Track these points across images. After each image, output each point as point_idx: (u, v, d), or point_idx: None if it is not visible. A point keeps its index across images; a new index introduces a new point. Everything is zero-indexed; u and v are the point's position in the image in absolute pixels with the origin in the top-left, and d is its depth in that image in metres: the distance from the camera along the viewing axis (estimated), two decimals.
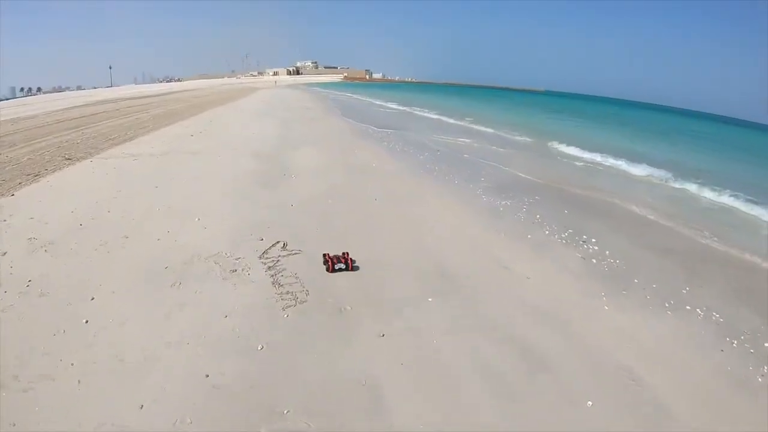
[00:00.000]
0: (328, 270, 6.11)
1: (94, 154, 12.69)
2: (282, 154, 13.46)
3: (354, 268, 6.23)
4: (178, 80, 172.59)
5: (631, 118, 55.59)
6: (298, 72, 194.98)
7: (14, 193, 9.06)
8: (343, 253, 6.34)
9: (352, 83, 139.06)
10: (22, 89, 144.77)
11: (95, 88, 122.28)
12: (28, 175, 10.40)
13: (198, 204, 8.49)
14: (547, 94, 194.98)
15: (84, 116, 22.60)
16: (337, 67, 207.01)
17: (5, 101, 67.43)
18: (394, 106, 38.75)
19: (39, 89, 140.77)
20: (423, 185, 11.07)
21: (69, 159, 12.04)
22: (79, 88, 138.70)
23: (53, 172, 10.76)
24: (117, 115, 23.54)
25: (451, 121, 27.66)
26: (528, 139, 20.88)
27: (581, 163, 15.91)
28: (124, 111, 25.83)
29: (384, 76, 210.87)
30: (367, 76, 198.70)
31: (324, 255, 6.31)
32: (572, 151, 17.85)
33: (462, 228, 8.17)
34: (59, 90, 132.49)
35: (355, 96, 56.30)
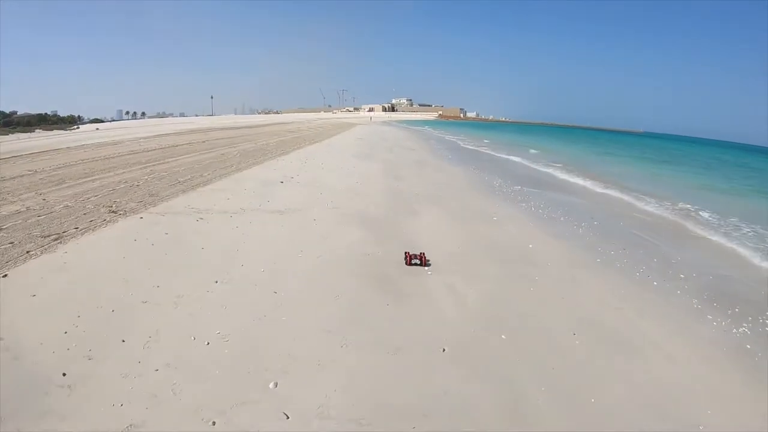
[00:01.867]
0: (406, 263, 7.30)
1: (149, 206, 9.58)
2: (400, 221, 9.87)
3: (427, 264, 7.33)
4: (276, 113, 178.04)
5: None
6: (393, 109, 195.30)
7: (8, 273, 5.95)
8: (420, 253, 7.45)
9: (447, 121, 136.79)
10: (127, 113, 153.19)
11: (196, 115, 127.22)
12: (47, 236, 7.33)
13: (277, 337, 4.82)
14: (646, 135, 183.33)
15: (164, 147, 20.28)
16: (431, 105, 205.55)
17: (109, 123, 69.86)
18: (499, 153, 34.63)
19: (143, 114, 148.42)
20: (621, 292, 7.01)
21: (114, 212, 8.95)
22: (181, 114, 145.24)
23: (83, 233, 7.66)
24: (201, 148, 21.07)
25: (573, 178, 23.17)
26: (667, 210, 16.12)
27: None
28: (211, 143, 23.49)
29: (478, 115, 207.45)
30: (462, 115, 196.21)
31: (405, 253, 7.50)
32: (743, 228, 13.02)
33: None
34: (162, 116, 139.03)
35: (455, 137, 52.57)
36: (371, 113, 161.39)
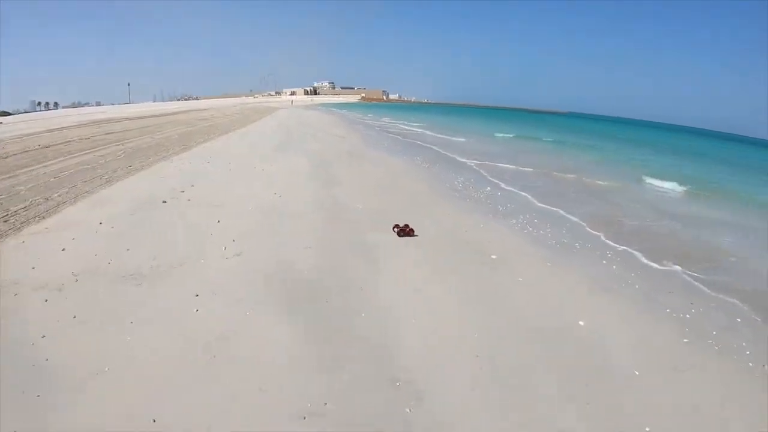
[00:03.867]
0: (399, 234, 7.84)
1: None
2: (351, 284, 5.74)
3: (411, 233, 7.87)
4: (196, 98, 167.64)
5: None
6: (315, 92, 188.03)
7: None
8: (405, 225, 7.97)
9: (371, 104, 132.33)
10: (39, 103, 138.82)
11: (113, 104, 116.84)
12: None
13: None
14: (570, 116, 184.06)
15: (30, 150, 14.79)
16: (354, 88, 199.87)
17: (19, 115, 61.24)
18: (438, 141, 30.89)
19: (56, 104, 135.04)
20: None
21: None
22: (97, 103, 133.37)
23: None
24: (78, 148, 15.70)
25: (535, 174, 19.84)
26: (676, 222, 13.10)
27: None
28: (96, 140, 18.05)
29: (400, 96, 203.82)
30: (385, 97, 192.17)
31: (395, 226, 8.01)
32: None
33: None
34: (78, 105, 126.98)
35: (383, 119, 48.38)
36: (293, 97, 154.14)
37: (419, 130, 34.92)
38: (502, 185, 13.16)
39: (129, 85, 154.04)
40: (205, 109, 54.84)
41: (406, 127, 36.59)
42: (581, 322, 5.15)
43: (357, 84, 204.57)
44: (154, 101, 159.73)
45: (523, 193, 12.23)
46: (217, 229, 7.36)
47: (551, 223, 9.39)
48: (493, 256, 7.15)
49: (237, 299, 5.12)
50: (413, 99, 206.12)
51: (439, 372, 4.03)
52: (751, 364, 4.70)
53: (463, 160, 18.30)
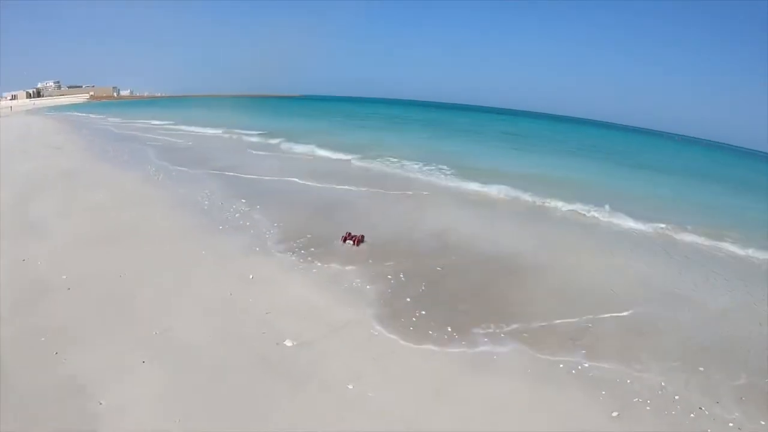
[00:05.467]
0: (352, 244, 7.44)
1: None
2: None
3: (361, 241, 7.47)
4: None
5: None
6: (39, 94, 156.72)
7: None
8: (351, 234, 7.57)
9: (100, 103, 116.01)
10: None
11: None
12: None
13: None
14: (309, 98, 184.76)
15: None
16: (81, 86, 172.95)
17: None
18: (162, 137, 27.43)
19: None
20: None
21: None
22: None
23: None
24: None
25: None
26: None
27: None
28: None
29: (132, 92, 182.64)
30: (115, 94, 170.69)
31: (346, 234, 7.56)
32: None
33: None
34: None
35: (110, 119, 41.45)
36: (12, 102, 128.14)
37: (143, 134, 29.54)
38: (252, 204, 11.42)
39: None
40: None
41: (130, 131, 31.57)
42: None
43: (86, 82, 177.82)
44: None
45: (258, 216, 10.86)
46: None
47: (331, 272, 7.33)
48: (288, 343, 5.21)
49: None
50: (146, 94, 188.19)
51: None
52: (692, 415, 4.54)
53: (197, 171, 16.06)
